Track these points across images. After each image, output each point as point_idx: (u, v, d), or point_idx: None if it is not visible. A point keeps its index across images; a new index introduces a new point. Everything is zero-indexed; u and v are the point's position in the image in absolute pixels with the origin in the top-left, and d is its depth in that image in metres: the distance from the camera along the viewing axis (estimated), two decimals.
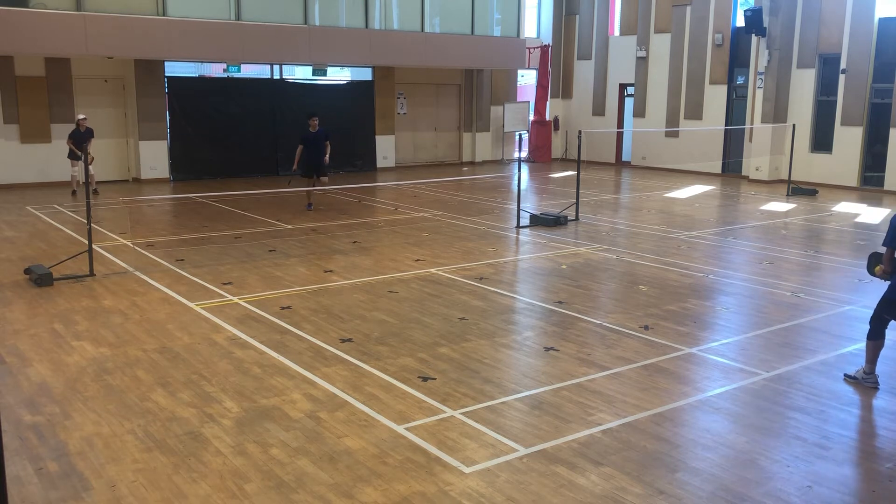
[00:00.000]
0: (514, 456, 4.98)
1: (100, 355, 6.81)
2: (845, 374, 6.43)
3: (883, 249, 6.15)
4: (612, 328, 7.72)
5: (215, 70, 21.47)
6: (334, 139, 15.49)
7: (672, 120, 22.97)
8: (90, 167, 15.79)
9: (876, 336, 6.24)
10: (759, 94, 20.25)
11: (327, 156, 14.42)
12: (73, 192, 16.35)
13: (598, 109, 25.29)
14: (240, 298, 8.65)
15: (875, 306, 6.31)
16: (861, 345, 7.26)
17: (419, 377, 6.33)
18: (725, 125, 21.70)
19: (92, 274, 9.52)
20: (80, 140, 16.11)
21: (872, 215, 15.14)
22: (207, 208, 14.61)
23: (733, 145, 21.65)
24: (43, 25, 16.21)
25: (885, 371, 6.72)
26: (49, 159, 17.84)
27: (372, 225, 13.58)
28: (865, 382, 6.25)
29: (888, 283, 6.16)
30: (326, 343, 7.16)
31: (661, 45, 23.17)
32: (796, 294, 9.10)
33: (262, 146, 20.53)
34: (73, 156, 16.21)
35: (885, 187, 18.58)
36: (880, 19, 18.56)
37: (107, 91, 18.65)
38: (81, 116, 16.44)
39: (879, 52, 18.62)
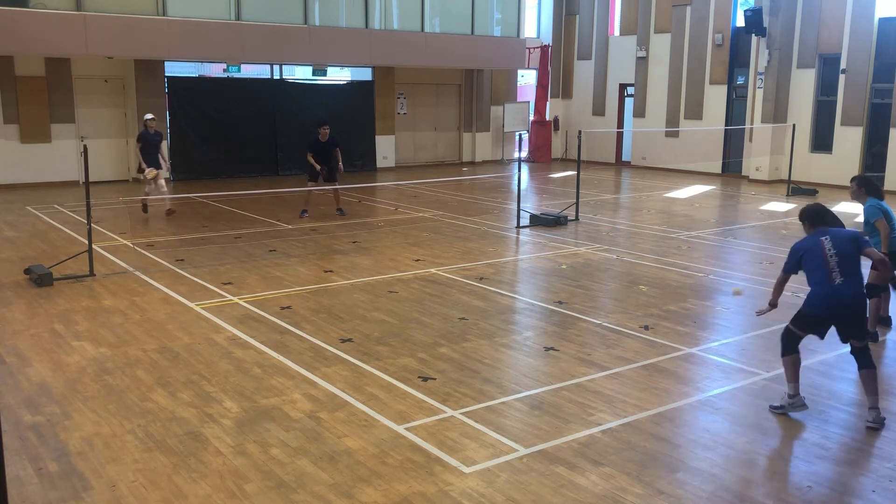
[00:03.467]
0: (514, 456, 4.98)
1: (100, 355, 6.81)
2: (771, 406, 5.84)
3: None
4: (612, 328, 7.72)
5: (215, 70, 21.47)
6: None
7: (672, 120, 22.96)
8: (161, 180, 13.50)
9: (786, 351, 5.83)
10: (759, 94, 20.24)
11: (340, 163, 14.07)
12: (145, 208, 13.96)
13: (598, 109, 25.29)
14: (240, 298, 8.65)
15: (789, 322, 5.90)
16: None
17: (419, 377, 6.33)
18: (725, 125, 21.69)
19: (92, 274, 9.52)
20: (150, 145, 13.55)
21: None
22: (207, 208, 14.62)
23: (733, 145, 21.65)
24: (43, 25, 16.20)
25: (886, 372, 6.73)
26: (49, 159, 17.85)
27: (372, 225, 13.58)
28: (793, 408, 5.73)
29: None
30: (326, 343, 7.16)
31: (661, 45, 23.16)
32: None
33: (262, 146, 20.53)
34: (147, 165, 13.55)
35: (886, 187, 18.52)
36: (880, 19, 18.56)
37: (107, 91, 18.65)
38: (149, 116, 13.92)
39: (879, 52, 18.62)
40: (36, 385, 6.14)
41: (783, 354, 5.85)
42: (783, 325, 7.82)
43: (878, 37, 18.59)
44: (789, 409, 5.72)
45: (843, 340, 5.80)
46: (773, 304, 6.04)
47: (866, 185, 7.49)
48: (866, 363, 5.68)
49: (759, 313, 6.22)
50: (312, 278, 9.65)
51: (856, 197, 7.59)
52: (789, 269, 5.90)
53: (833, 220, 5.94)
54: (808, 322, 5.78)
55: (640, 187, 19.47)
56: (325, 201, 15.16)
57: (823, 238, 5.76)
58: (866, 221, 7.44)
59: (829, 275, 5.64)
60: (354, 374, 6.42)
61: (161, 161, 13.69)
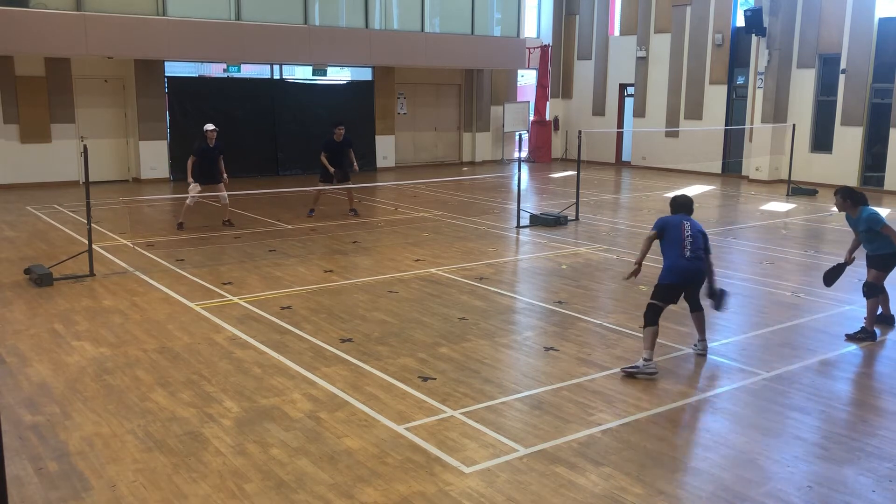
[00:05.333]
0: (514, 456, 4.98)
1: (100, 355, 6.81)
2: (623, 368, 6.54)
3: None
4: (612, 328, 7.72)
5: (215, 70, 21.47)
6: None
7: (672, 120, 22.96)
8: (224, 192, 12.77)
9: (648, 322, 6.59)
10: (759, 94, 20.24)
11: (355, 164, 14.03)
12: (181, 225, 12.86)
13: (598, 109, 25.29)
14: (240, 298, 8.65)
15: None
16: (861, 344, 7.27)
17: (419, 377, 6.33)
18: (725, 125, 21.69)
19: (92, 274, 9.52)
20: (208, 158, 12.64)
21: None
22: (207, 208, 14.61)
23: (733, 145, 21.65)
24: (43, 25, 16.20)
25: (886, 371, 6.73)
26: (49, 159, 17.84)
27: (372, 225, 13.58)
28: (646, 369, 6.39)
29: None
30: (326, 343, 7.16)
31: (661, 45, 23.16)
32: (796, 294, 9.10)
33: (262, 146, 20.52)
34: (197, 177, 12.68)
35: (885, 187, 18.57)
36: (880, 19, 18.56)
37: (107, 91, 18.64)
38: (210, 127, 12.78)
39: (879, 52, 18.61)
40: (36, 385, 6.14)
41: (646, 326, 6.61)
42: (783, 326, 7.87)
43: (878, 37, 18.59)
44: (642, 371, 6.41)
45: (681, 300, 6.91)
46: (639, 264, 7.02)
47: (852, 197, 7.53)
48: (698, 307, 6.97)
49: (627, 278, 7.14)
50: (312, 278, 9.64)
51: (843, 209, 7.63)
52: (657, 229, 6.98)
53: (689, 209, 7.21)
54: (667, 292, 6.73)
55: (640, 187, 19.47)
56: (328, 201, 15.15)
57: (685, 221, 6.99)
58: (869, 230, 7.39)
59: (683, 250, 6.78)
60: (354, 374, 6.42)
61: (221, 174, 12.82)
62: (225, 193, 13.02)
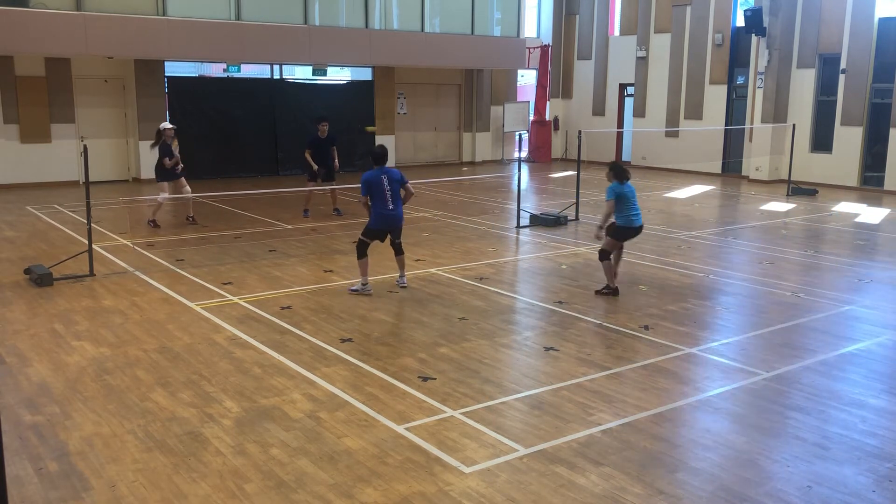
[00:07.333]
0: (514, 456, 4.98)
1: (100, 355, 6.81)
2: (350, 289, 8.81)
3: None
4: (612, 328, 7.72)
5: (215, 70, 21.47)
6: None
7: (672, 120, 22.96)
8: (187, 187, 13.05)
9: (360, 256, 8.71)
10: (759, 94, 20.24)
11: (336, 161, 13.92)
12: (152, 222, 13.06)
13: (598, 109, 25.29)
14: (240, 298, 8.65)
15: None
16: (861, 344, 7.29)
17: (419, 377, 6.33)
18: (725, 125, 21.69)
19: (92, 274, 9.52)
20: (167, 154, 12.90)
21: (872, 215, 15.13)
22: (207, 208, 14.60)
23: (733, 145, 21.65)
24: (43, 25, 16.20)
25: (886, 371, 6.73)
26: (49, 159, 17.84)
27: None
28: (365, 291, 8.68)
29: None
30: (326, 343, 7.17)
31: (661, 45, 23.17)
32: (796, 294, 9.10)
33: (262, 146, 20.52)
34: (162, 176, 13.05)
35: (885, 187, 18.57)
36: (880, 19, 18.56)
37: (107, 91, 18.64)
38: (168, 126, 13.08)
39: (879, 52, 18.61)
40: (36, 385, 6.14)
41: (359, 258, 8.71)
42: (783, 326, 7.87)
43: (878, 37, 18.59)
44: (362, 291, 8.69)
45: (390, 242, 8.93)
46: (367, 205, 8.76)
47: (613, 171, 8.99)
48: (400, 251, 9.04)
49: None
50: (312, 278, 9.65)
51: (608, 179, 9.01)
52: (366, 193, 8.62)
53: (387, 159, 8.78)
54: (374, 233, 8.73)
55: (640, 187, 19.31)
56: (325, 201, 15.14)
57: (383, 176, 8.59)
58: (607, 201, 8.90)
59: (387, 201, 8.57)
60: (354, 374, 6.42)
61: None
62: (187, 188, 13.28)
